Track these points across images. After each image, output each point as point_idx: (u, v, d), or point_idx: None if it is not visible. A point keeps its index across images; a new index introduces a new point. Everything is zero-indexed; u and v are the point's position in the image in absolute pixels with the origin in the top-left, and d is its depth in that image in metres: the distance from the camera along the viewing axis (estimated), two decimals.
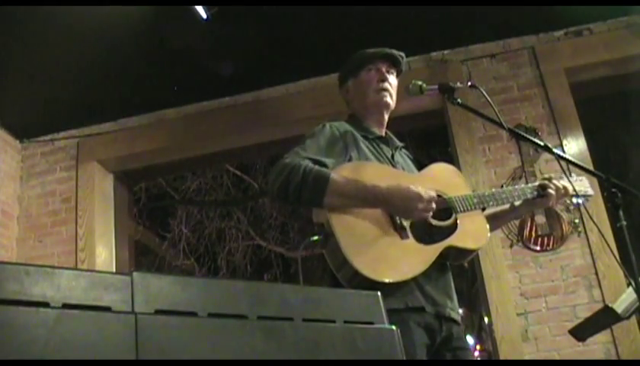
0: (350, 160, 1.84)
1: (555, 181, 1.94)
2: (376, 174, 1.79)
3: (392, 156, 1.96)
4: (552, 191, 1.92)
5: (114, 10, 2.89)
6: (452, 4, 3.17)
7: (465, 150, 3.40)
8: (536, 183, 1.98)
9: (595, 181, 2.15)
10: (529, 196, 1.94)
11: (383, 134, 2.04)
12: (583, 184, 2.03)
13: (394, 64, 2.05)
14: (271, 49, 3.43)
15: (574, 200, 2.00)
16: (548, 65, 3.49)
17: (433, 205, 1.71)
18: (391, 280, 1.61)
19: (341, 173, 1.73)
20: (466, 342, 1.83)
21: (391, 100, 2.01)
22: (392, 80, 2.03)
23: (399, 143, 2.08)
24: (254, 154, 5.14)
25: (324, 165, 1.75)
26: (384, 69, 2.01)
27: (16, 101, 3.64)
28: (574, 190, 1.96)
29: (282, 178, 1.71)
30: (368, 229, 1.69)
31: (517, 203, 1.96)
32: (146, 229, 7.86)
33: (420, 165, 2.05)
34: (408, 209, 1.69)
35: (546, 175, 1.99)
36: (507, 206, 1.99)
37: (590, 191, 2.03)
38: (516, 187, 1.98)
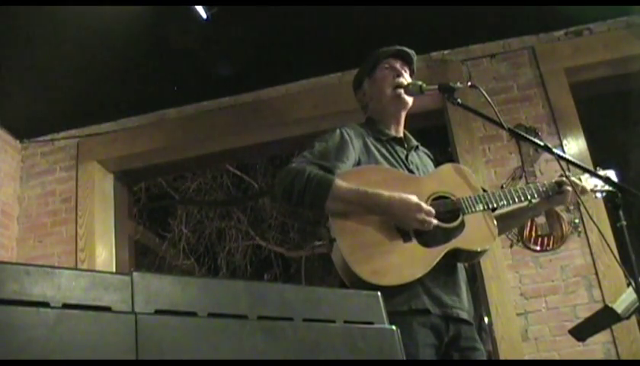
0: (358, 164, 1.84)
1: (573, 178, 1.94)
2: (381, 178, 1.79)
3: (407, 157, 1.96)
4: (569, 188, 1.91)
5: (114, 10, 2.89)
6: (452, 4, 3.17)
7: (465, 150, 3.40)
8: (553, 180, 1.98)
9: None
10: (543, 193, 1.93)
11: (399, 134, 2.03)
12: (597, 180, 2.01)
13: (407, 62, 2.05)
14: (271, 49, 3.43)
15: (597, 194, 1.98)
16: (548, 65, 3.49)
17: (433, 220, 1.71)
18: (392, 284, 1.62)
19: (346, 178, 1.73)
20: (477, 342, 1.81)
21: (407, 96, 2.00)
22: (406, 77, 2.03)
23: (416, 143, 2.07)
24: (254, 154, 5.14)
25: (330, 170, 1.76)
26: (398, 66, 2.01)
27: (16, 101, 3.64)
28: (595, 185, 1.95)
29: (287, 181, 1.74)
30: (370, 233, 1.69)
31: (535, 200, 1.96)
32: (146, 229, 7.85)
33: (439, 164, 2.05)
34: (407, 219, 1.69)
35: (565, 173, 1.98)
36: (524, 204, 1.98)
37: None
38: (530, 185, 1.97)
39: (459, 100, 1.90)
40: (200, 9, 2.96)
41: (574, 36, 3.55)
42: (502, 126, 1.85)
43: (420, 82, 1.96)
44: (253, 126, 3.76)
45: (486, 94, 1.85)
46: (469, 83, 1.93)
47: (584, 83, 3.54)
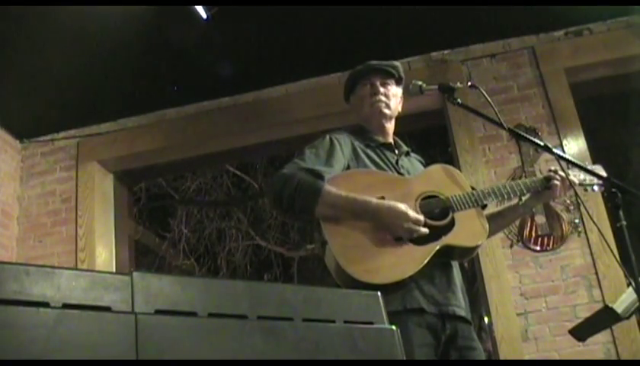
0: (348, 169, 1.86)
1: (560, 172, 1.94)
2: (370, 181, 1.81)
3: (397, 162, 1.97)
4: (557, 182, 1.92)
5: (114, 10, 2.89)
6: (452, 4, 3.17)
7: (465, 150, 3.40)
8: (541, 176, 1.99)
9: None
10: (532, 189, 1.94)
11: (388, 141, 2.05)
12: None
13: (388, 74, 2.06)
14: (271, 49, 3.43)
15: (589, 188, 1.98)
16: (548, 65, 3.49)
17: (420, 228, 1.71)
18: (385, 282, 1.63)
19: (335, 183, 1.75)
20: (475, 341, 1.81)
21: (387, 109, 2.03)
22: (392, 89, 2.05)
23: (406, 148, 2.10)
24: (254, 154, 5.14)
25: (320, 174, 1.77)
26: (378, 83, 2.04)
27: (16, 101, 3.64)
28: (584, 178, 1.95)
29: (277, 188, 1.75)
30: (361, 235, 1.71)
31: (524, 197, 1.96)
32: (146, 229, 7.84)
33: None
34: (394, 226, 1.70)
35: (552, 167, 1.98)
36: (514, 202, 1.99)
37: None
38: (518, 181, 1.98)
39: (459, 100, 1.90)
40: (200, 9, 2.97)
41: (574, 36, 3.55)
42: (502, 126, 1.85)
43: (420, 82, 1.96)
44: (253, 126, 3.76)
45: (486, 94, 1.86)
46: (469, 83, 1.94)
47: (584, 83, 3.54)
